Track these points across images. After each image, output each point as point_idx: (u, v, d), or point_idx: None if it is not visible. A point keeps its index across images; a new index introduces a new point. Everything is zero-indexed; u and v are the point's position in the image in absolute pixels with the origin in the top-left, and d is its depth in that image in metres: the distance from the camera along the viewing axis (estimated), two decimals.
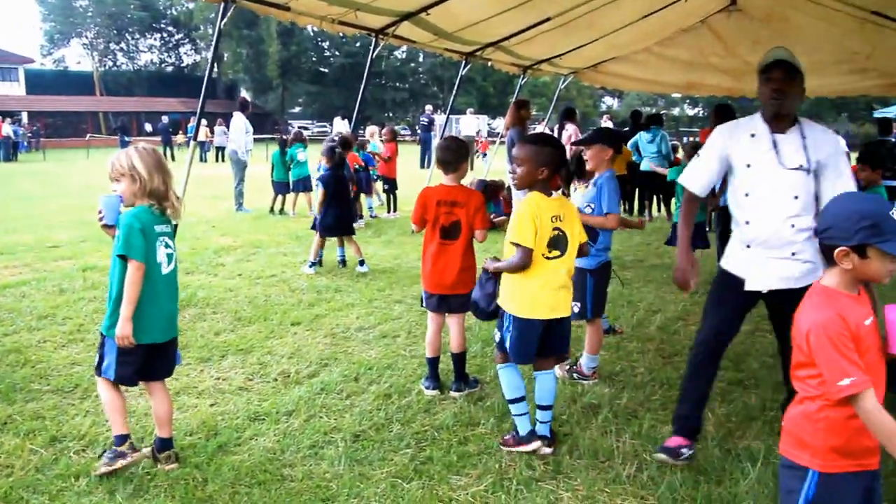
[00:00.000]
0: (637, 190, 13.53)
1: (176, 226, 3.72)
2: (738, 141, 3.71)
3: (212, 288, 7.25)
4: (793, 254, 3.54)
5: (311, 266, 8.09)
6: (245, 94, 53.23)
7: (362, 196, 12.71)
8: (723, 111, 8.66)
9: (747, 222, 3.68)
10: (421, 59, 59.54)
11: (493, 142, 15.29)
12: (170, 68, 66.40)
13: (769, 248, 3.60)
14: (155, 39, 66.23)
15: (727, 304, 3.82)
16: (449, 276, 4.52)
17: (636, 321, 6.37)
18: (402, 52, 56.08)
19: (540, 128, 16.32)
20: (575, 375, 4.95)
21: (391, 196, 13.25)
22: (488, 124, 40.07)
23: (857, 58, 10.86)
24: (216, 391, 4.63)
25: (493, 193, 11.72)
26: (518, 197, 8.97)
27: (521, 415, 3.87)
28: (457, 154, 4.56)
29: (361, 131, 33.73)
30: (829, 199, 2.96)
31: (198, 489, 3.40)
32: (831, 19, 8.69)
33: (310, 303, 6.76)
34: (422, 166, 20.42)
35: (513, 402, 3.89)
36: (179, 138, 34.96)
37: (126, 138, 29.91)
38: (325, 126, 46.66)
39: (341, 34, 8.17)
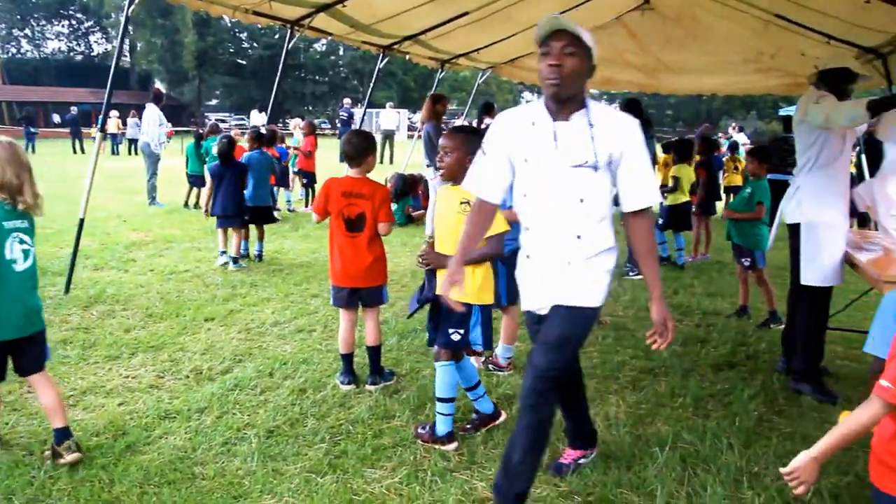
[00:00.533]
0: None
1: (39, 220, 3.61)
2: (519, 131, 3.03)
3: (122, 284, 7.03)
4: (575, 269, 3.00)
5: (232, 261, 7.91)
6: (160, 85, 51.75)
7: (281, 190, 12.56)
8: (630, 106, 8.87)
9: (527, 229, 3.15)
10: (341, 52, 59.00)
11: (412, 136, 15.27)
12: (79, 57, 63.76)
13: (548, 262, 3.06)
14: (63, 26, 63.52)
15: (531, 327, 3.40)
16: (358, 268, 4.51)
17: None
18: (322, 44, 55.49)
19: (458, 122, 16.40)
20: (490, 367, 5.00)
21: (310, 190, 13.10)
22: (409, 118, 40.00)
23: (763, 58, 11.26)
24: (125, 390, 4.49)
25: (411, 187, 11.73)
26: (436, 189, 8.97)
27: (446, 415, 3.85)
28: (361, 148, 4.55)
29: (280, 124, 33.17)
30: (628, 202, 2.96)
31: (104, 491, 3.30)
32: (738, 20, 8.99)
33: (224, 298, 6.63)
34: (341, 160, 20.30)
35: (443, 400, 3.85)
36: (93, 130, 33.70)
37: (32, 129, 28.65)
38: (243, 119, 45.79)
39: (259, 25, 8.03)
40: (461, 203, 3.68)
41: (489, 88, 57.46)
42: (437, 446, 3.80)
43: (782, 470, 2.46)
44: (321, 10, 7.25)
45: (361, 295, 4.61)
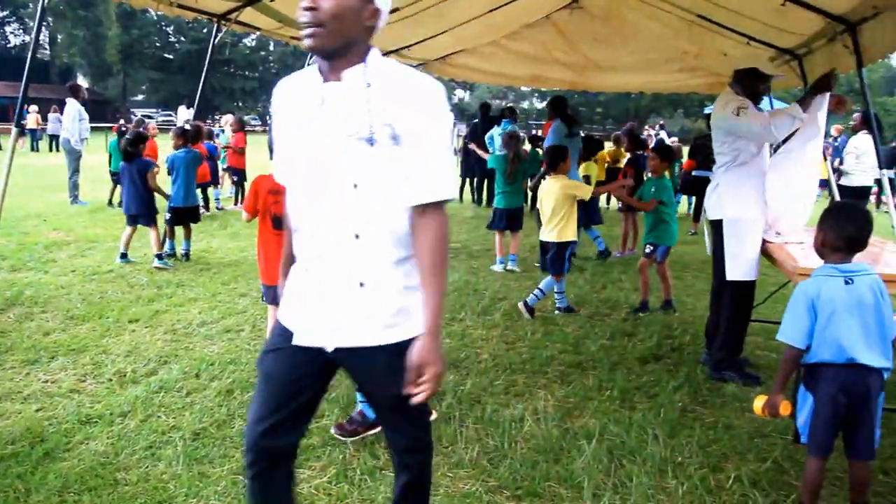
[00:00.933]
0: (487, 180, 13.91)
1: None
2: (289, 98, 2.28)
3: (41, 285, 6.79)
4: (361, 284, 2.17)
5: (156, 258, 7.72)
6: (82, 79, 50.28)
7: (210, 188, 12.34)
8: (555, 103, 9.03)
9: (296, 230, 2.34)
10: (271, 48, 58.24)
11: None
12: None
13: (324, 275, 2.21)
14: None
15: (278, 369, 2.32)
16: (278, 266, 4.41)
17: (481, 309, 6.51)
18: (252, 39, 54.69)
19: None
20: None
21: (240, 188, 12.87)
22: None
23: (687, 57, 11.52)
24: (44, 395, 4.34)
25: None
26: None
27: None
28: None
29: (210, 121, 32.52)
30: (409, 193, 2.11)
31: (20, 501, 3.18)
32: (662, 20, 9.17)
33: (149, 298, 6.47)
34: (272, 157, 20.02)
35: None
36: (12, 127, 32.40)
37: None
38: (170, 115, 44.73)
39: (186, 19, 7.84)
40: None
41: None
42: (372, 431, 3.79)
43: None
44: (248, 5, 7.11)
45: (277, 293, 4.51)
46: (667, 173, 6.91)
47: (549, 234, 6.54)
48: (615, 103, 63.79)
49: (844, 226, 3.02)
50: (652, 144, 15.38)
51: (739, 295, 5.04)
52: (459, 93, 70.00)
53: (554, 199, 6.48)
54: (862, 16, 5.89)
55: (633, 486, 3.45)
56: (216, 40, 7.79)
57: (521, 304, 6.46)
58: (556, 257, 6.51)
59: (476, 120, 13.85)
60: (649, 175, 7.45)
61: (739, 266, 4.91)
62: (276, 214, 4.37)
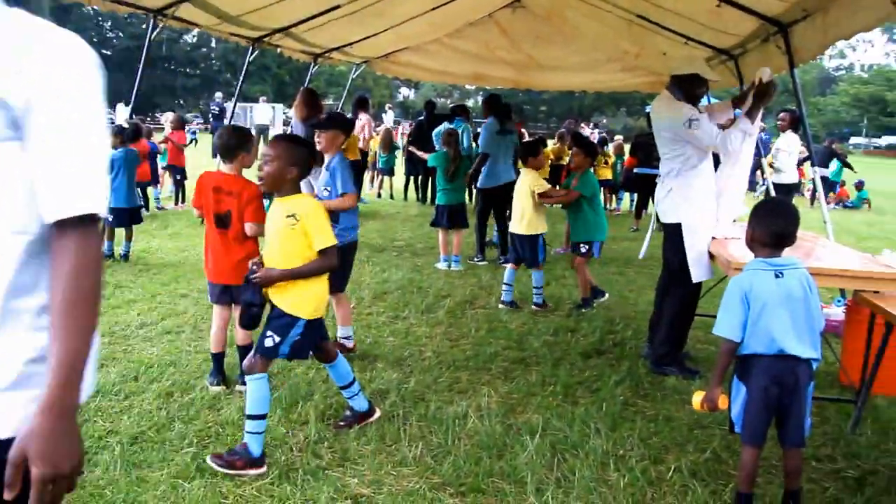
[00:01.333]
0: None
1: None
2: None
3: None
4: None
5: None
6: None
7: (149, 187, 12.11)
8: (490, 101, 9.14)
9: None
10: (213, 45, 57.25)
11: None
12: None
13: None
14: None
15: None
16: (227, 264, 4.38)
17: (425, 307, 6.51)
18: (193, 36, 53.73)
19: None
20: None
21: (181, 187, 12.64)
22: (284, 113, 39.17)
23: (627, 56, 11.72)
24: None
25: None
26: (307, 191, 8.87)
27: (257, 433, 3.51)
28: (234, 144, 4.43)
29: (150, 119, 31.86)
30: (42, 203, 1.41)
31: None
32: (603, 20, 9.31)
33: None
34: (214, 156, 19.73)
35: (255, 418, 3.51)
36: None
37: None
38: (110, 113, 43.66)
39: (124, 14, 7.64)
40: (287, 216, 3.51)
41: (366, 84, 57.15)
42: (250, 472, 3.45)
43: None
44: (186, 0, 7.00)
45: (232, 292, 4.44)
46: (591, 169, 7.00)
47: (517, 226, 6.72)
48: (559, 102, 64.49)
49: (773, 222, 3.11)
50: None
51: (690, 295, 5.18)
52: (404, 91, 69.94)
53: (522, 193, 6.68)
54: (793, 18, 6.06)
55: (575, 479, 3.48)
56: (152, 36, 7.62)
57: (501, 305, 6.67)
58: (529, 250, 6.67)
59: (421, 118, 13.86)
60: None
61: (701, 268, 5.04)
62: (218, 213, 4.34)
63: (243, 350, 4.46)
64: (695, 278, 5.02)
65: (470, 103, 61.04)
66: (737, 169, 5.21)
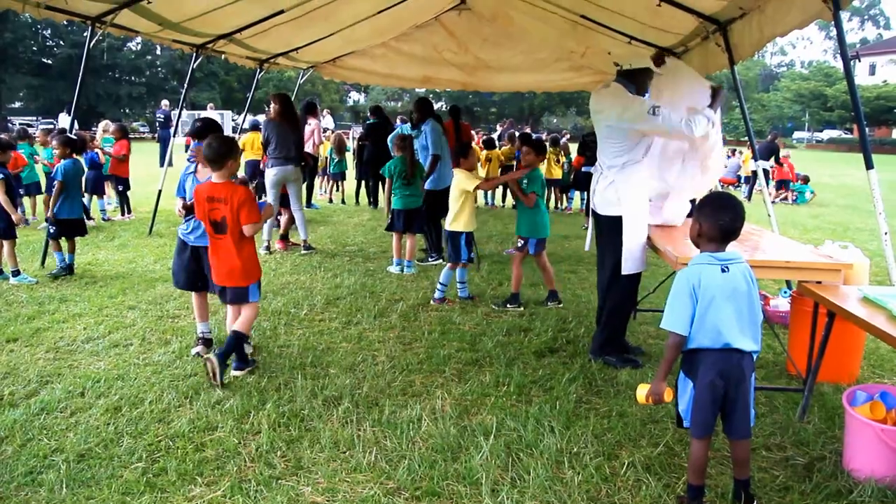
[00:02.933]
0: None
1: None
2: None
3: None
4: None
5: (12, 274, 7.36)
6: None
7: (94, 198, 11.85)
8: (418, 104, 9.37)
9: None
10: (158, 52, 56.22)
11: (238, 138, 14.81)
12: None
13: None
14: None
15: None
16: (224, 268, 4.78)
17: (378, 311, 6.48)
18: (137, 43, 52.69)
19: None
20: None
21: (124, 197, 12.33)
22: (233, 119, 38.73)
23: (574, 56, 11.85)
24: None
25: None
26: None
27: None
28: (221, 152, 4.64)
29: (94, 129, 31.25)
30: None
31: None
32: (548, 20, 9.39)
33: (29, 316, 6.13)
34: (161, 165, 19.32)
35: None
36: None
37: None
38: (52, 123, 42.67)
39: (65, 22, 7.46)
40: None
41: (315, 89, 56.82)
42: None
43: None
44: (125, 7, 6.86)
45: (226, 293, 4.86)
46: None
47: (448, 224, 6.94)
48: (509, 103, 64.80)
49: (721, 217, 3.13)
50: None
51: (630, 286, 5.26)
52: (355, 95, 69.66)
53: (452, 194, 6.93)
54: (731, 16, 6.19)
55: (530, 479, 3.49)
56: (90, 44, 7.45)
57: (432, 301, 6.83)
58: (451, 246, 6.90)
59: (370, 121, 13.79)
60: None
61: (635, 260, 5.10)
62: (213, 220, 4.72)
63: (236, 335, 4.79)
64: (625, 270, 5.10)
65: None
66: (711, 161, 5.35)
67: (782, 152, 18.92)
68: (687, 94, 5.21)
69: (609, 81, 5.30)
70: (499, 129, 20.88)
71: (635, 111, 4.94)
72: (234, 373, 4.82)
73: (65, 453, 3.69)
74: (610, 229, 5.20)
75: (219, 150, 4.61)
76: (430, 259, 8.77)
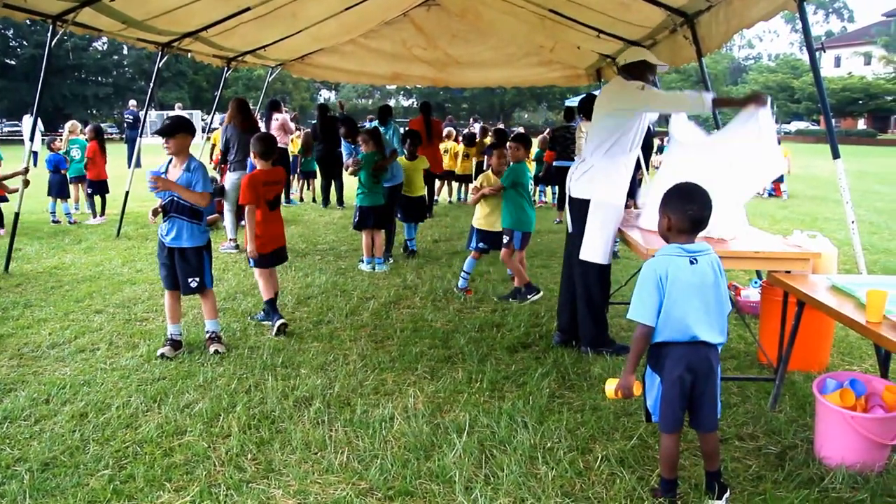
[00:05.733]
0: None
1: None
2: None
3: None
4: None
5: None
6: None
7: (58, 201, 11.66)
8: (384, 111, 9.71)
9: None
10: (125, 51, 55.47)
11: (208, 138, 14.61)
12: None
13: None
14: None
15: None
16: (279, 233, 6.08)
17: (349, 310, 6.42)
18: (103, 43, 51.97)
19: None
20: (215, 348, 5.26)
21: (101, 199, 12.05)
22: (203, 119, 38.29)
23: (543, 51, 11.85)
24: None
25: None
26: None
27: None
28: (270, 148, 5.87)
29: (61, 130, 30.81)
30: None
31: None
32: (517, 15, 9.37)
33: None
34: (129, 165, 19.12)
35: None
36: None
37: None
38: (16, 125, 41.93)
39: (28, 21, 7.28)
40: None
41: (285, 87, 56.41)
42: None
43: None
44: (86, 5, 6.72)
45: (280, 253, 6.08)
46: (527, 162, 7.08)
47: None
48: (480, 99, 64.81)
49: (688, 207, 3.11)
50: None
51: (593, 276, 5.28)
52: (325, 93, 69.26)
53: None
54: (698, 8, 6.20)
55: (504, 475, 3.47)
56: (52, 43, 7.29)
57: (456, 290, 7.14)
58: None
59: (314, 121, 13.78)
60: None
61: (595, 248, 5.11)
62: (268, 200, 5.86)
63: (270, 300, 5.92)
64: (582, 255, 5.17)
65: (392, 103, 61.09)
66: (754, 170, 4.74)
67: None
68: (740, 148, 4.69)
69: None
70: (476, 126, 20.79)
71: (628, 92, 5.00)
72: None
73: (28, 462, 3.60)
74: (576, 213, 5.25)
75: (270, 146, 5.88)
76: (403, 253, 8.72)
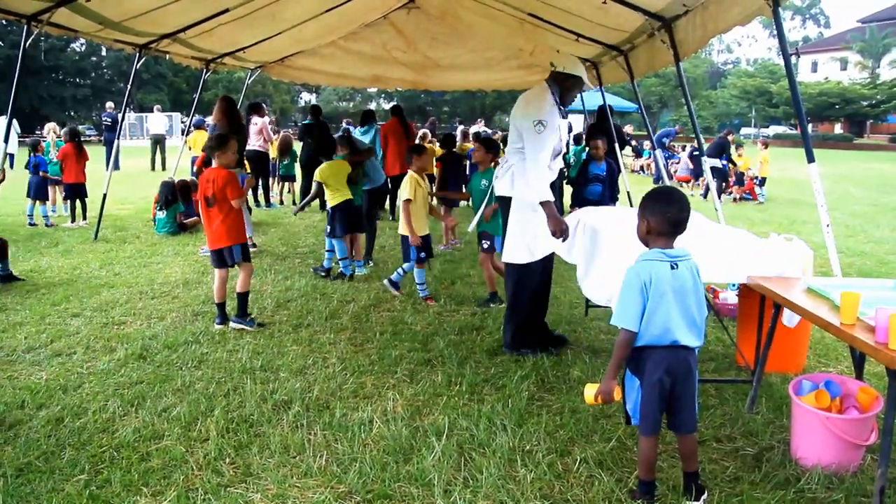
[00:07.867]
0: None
1: None
2: None
3: None
4: None
5: None
6: None
7: (37, 203, 11.55)
8: (367, 115, 9.75)
9: None
10: (104, 53, 55.00)
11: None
12: None
13: None
14: None
15: None
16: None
17: (329, 313, 6.40)
18: (81, 44, 51.51)
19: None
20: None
21: (81, 203, 11.90)
22: (182, 122, 38.04)
23: (523, 54, 11.89)
24: None
25: (184, 194, 11.19)
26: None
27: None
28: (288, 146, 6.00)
29: (39, 132, 30.45)
30: None
31: None
32: (496, 18, 9.39)
33: None
34: (107, 168, 18.97)
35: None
36: None
37: None
38: None
39: (4, 21, 7.17)
40: None
41: (265, 90, 56.15)
42: None
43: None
44: (62, 5, 6.64)
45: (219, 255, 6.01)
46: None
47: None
48: (461, 102, 64.81)
49: (667, 209, 3.12)
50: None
51: (515, 277, 5.34)
52: (306, 96, 69.05)
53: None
54: (675, 13, 6.25)
55: (483, 478, 3.46)
56: (27, 44, 7.20)
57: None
58: (403, 249, 7.19)
59: (306, 121, 13.62)
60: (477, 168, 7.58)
61: (517, 249, 5.19)
62: (206, 195, 5.83)
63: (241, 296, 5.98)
64: (504, 257, 5.29)
65: (373, 106, 60.98)
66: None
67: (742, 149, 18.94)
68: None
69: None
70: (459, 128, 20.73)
71: (527, 119, 5.03)
72: (233, 324, 5.96)
73: (3, 468, 3.56)
74: (502, 212, 5.36)
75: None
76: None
